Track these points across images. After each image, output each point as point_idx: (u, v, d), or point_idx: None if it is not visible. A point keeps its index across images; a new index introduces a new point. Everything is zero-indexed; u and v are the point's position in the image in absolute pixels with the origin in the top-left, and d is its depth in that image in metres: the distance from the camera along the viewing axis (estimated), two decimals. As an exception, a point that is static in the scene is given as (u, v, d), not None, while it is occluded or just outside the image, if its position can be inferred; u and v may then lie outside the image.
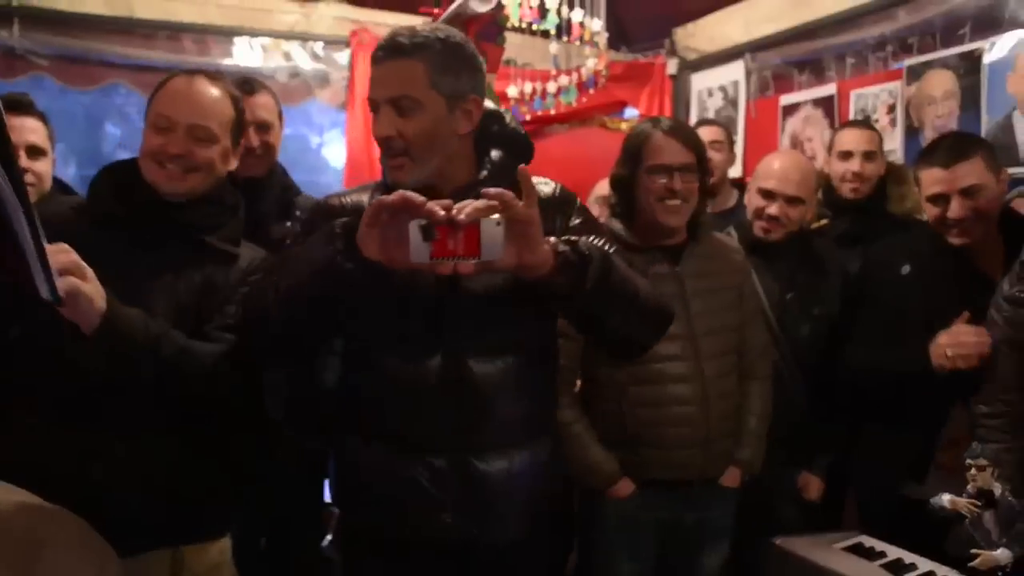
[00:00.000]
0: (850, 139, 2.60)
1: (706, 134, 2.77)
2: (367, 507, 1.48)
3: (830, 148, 2.69)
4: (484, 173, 1.44)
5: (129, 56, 3.41)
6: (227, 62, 3.55)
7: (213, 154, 1.53)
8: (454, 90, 1.39)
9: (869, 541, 1.77)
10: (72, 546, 1.27)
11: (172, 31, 3.45)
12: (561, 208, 1.49)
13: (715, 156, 2.81)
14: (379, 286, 1.27)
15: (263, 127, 2.20)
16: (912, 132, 3.05)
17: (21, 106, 2.02)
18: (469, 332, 1.40)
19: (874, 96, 3.24)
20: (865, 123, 2.85)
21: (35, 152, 2.03)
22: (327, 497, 2.05)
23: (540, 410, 1.51)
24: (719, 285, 1.98)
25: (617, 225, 1.97)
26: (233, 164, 1.61)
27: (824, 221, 2.46)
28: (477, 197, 1.21)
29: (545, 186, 1.50)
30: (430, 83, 1.36)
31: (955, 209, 1.92)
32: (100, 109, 3.62)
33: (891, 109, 3.16)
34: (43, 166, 2.12)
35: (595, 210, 3.11)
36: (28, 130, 2.01)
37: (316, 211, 1.54)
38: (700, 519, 1.96)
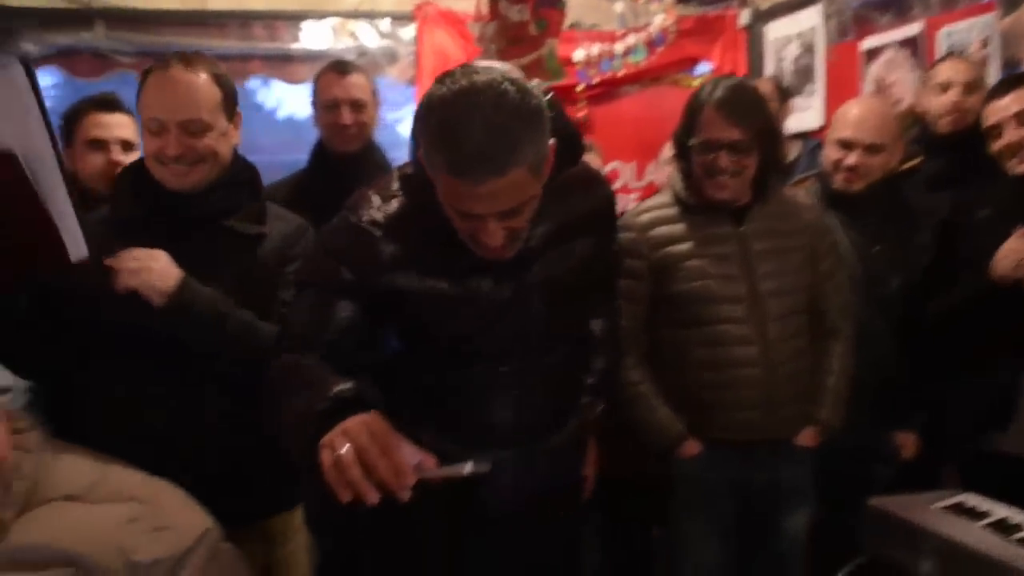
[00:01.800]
0: (948, 71, 2.47)
1: None
2: None
3: (924, 85, 2.56)
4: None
5: (203, 47, 3.52)
6: (296, 46, 3.64)
7: (211, 141, 1.54)
8: (543, 159, 1.22)
9: (972, 500, 1.70)
10: (183, 499, 1.34)
11: (243, 19, 3.55)
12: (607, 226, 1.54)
13: None
14: None
15: (356, 106, 2.26)
16: (1011, 67, 2.83)
17: (111, 104, 2.10)
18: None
19: (965, 32, 3.04)
20: (963, 57, 2.70)
21: (128, 147, 2.13)
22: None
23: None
24: (788, 245, 1.92)
25: (679, 185, 1.94)
26: (235, 138, 1.61)
27: (915, 161, 2.32)
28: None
29: (594, 193, 1.50)
30: (533, 175, 1.20)
31: (1009, 134, 1.88)
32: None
33: (985, 44, 2.96)
34: (133, 159, 2.22)
35: (665, 171, 3.05)
36: (118, 126, 2.09)
37: (351, 243, 1.34)
38: (771, 480, 1.94)
